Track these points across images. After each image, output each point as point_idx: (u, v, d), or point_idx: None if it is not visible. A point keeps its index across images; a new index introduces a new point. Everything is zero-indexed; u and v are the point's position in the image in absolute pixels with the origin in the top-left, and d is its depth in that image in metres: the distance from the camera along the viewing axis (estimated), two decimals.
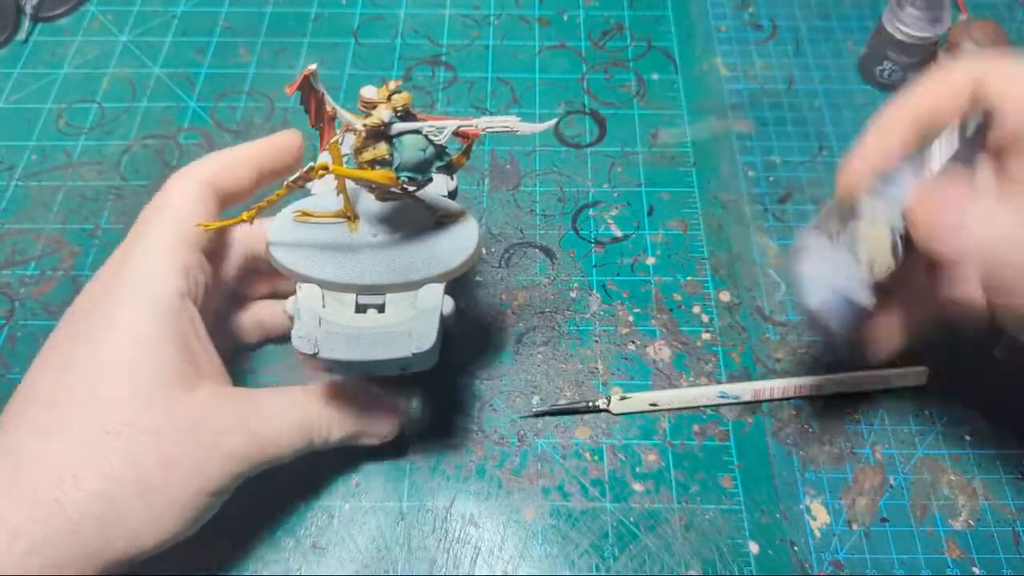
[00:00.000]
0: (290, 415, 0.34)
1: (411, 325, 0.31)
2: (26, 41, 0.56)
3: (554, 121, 0.32)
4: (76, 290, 0.44)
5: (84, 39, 0.57)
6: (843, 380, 0.41)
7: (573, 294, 0.45)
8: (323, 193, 0.35)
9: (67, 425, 0.29)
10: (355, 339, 0.31)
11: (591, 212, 0.48)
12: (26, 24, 0.57)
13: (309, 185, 0.32)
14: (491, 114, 0.52)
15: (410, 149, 0.30)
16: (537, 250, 0.46)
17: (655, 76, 0.55)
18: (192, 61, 0.55)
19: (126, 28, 0.57)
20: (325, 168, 0.30)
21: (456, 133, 0.31)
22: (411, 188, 0.32)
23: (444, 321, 0.32)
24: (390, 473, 0.39)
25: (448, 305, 0.32)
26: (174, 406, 0.30)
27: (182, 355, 0.31)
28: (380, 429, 0.37)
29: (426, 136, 0.30)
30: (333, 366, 0.32)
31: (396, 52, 0.56)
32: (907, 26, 0.50)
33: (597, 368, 0.42)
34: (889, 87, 0.53)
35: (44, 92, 0.54)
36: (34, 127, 0.52)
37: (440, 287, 0.33)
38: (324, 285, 0.32)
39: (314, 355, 0.30)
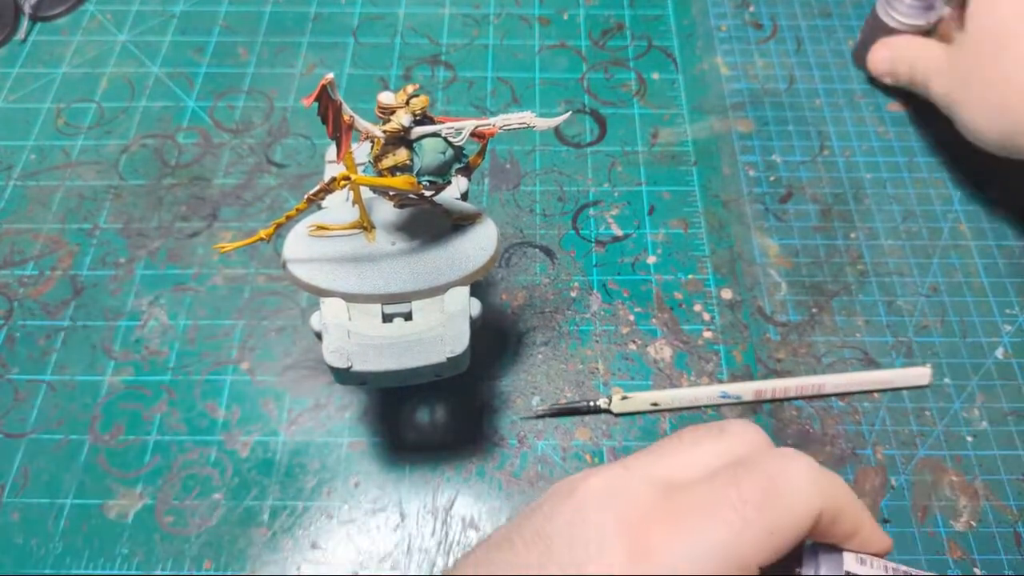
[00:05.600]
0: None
1: (442, 330, 0.31)
2: (25, 40, 0.56)
3: (568, 114, 0.32)
4: (74, 290, 0.44)
5: (83, 39, 0.56)
6: (844, 380, 0.41)
7: (573, 294, 0.45)
8: (335, 206, 0.35)
9: None
10: (387, 349, 0.31)
11: (591, 211, 0.48)
12: (25, 23, 0.57)
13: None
14: (492, 113, 0.52)
15: (430, 153, 0.30)
16: (537, 250, 0.46)
17: (655, 75, 0.55)
18: (191, 60, 0.55)
19: (125, 27, 0.57)
20: (347, 179, 0.29)
21: (473, 133, 0.31)
22: (431, 192, 0.32)
23: (472, 323, 0.32)
24: (389, 474, 0.39)
25: (475, 307, 0.32)
26: None
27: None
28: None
29: (445, 138, 0.30)
30: (368, 378, 0.32)
31: (396, 51, 0.56)
32: (900, 14, 0.50)
33: (598, 368, 0.42)
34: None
35: (43, 92, 0.53)
36: (33, 127, 0.51)
37: (466, 290, 0.33)
38: (348, 298, 0.32)
39: (348, 368, 0.30)
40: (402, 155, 0.30)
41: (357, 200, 0.33)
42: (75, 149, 0.50)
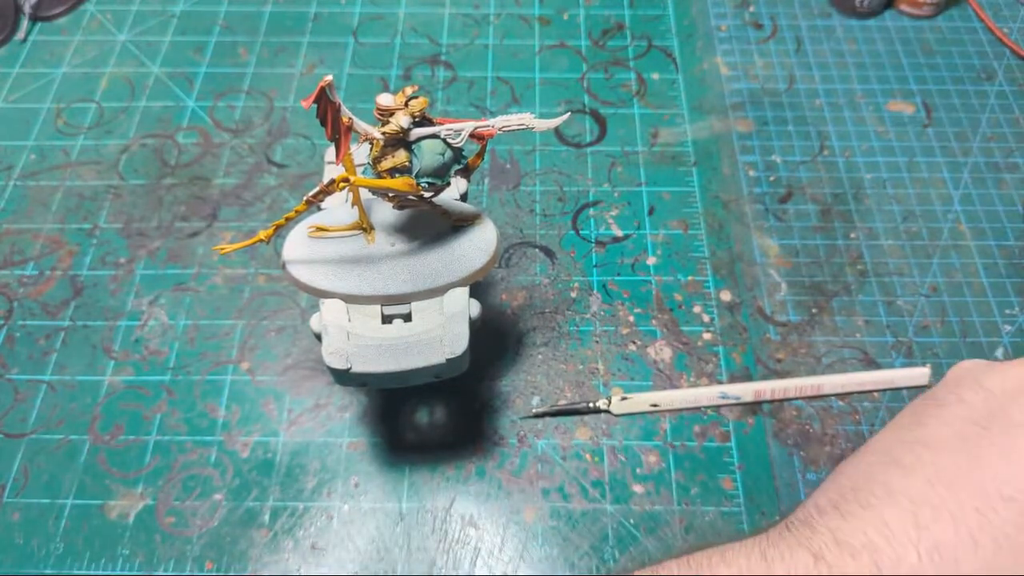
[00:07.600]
0: None
1: (441, 331, 0.32)
2: (25, 40, 0.56)
3: (567, 115, 0.32)
4: (74, 290, 0.44)
5: (83, 38, 0.56)
6: (844, 380, 0.41)
7: (573, 294, 0.45)
8: (334, 207, 0.35)
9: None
10: (386, 350, 0.31)
11: (591, 212, 0.48)
12: (25, 23, 0.57)
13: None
14: (492, 113, 0.52)
15: (429, 154, 0.30)
16: (537, 250, 0.46)
17: (655, 75, 0.55)
18: (191, 60, 0.55)
19: (125, 27, 0.57)
20: (346, 180, 0.30)
21: (472, 134, 0.31)
22: (430, 194, 0.32)
23: (472, 324, 0.32)
24: (389, 474, 0.39)
25: (475, 308, 0.33)
26: None
27: None
28: None
29: (444, 140, 0.30)
30: (367, 379, 0.32)
31: (395, 51, 0.56)
32: None
33: (597, 368, 0.42)
34: (866, 16, 0.53)
35: (43, 92, 0.53)
36: (33, 127, 0.51)
37: (465, 291, 0.33)
38: (348, 299, 0.32)
39: (347, 370, 0.30)
40: (401, 157, 0.30)
41: (356, 201, 0.33)
42: (75, 149, 0.50)
